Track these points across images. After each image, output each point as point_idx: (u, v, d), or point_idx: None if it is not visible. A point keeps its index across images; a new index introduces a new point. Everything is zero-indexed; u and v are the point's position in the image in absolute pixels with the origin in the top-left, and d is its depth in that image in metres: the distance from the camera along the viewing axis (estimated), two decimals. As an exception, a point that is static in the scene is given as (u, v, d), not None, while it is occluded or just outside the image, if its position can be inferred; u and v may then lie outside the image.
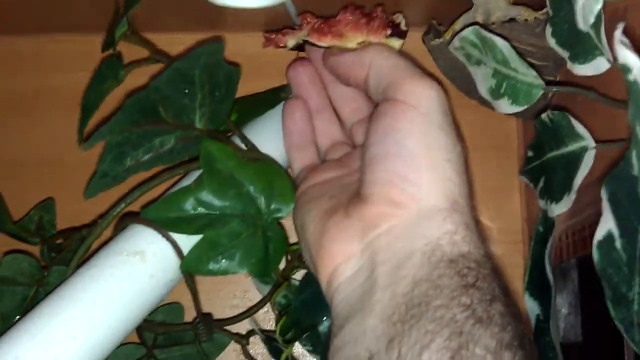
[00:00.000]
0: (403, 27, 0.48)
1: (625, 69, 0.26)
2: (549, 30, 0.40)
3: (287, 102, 0.52)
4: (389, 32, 0.46)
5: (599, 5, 0.26)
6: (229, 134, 0.52)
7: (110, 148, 0.47)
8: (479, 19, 0.48)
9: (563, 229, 0.46)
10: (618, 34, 0.26)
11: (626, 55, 0.25)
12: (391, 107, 0.41)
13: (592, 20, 0.26)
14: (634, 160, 0.28)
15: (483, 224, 0.56)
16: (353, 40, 0.47)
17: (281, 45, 0.50)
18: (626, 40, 0.27)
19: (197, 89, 0.47)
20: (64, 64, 0.60)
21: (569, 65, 0.39)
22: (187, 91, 0.47)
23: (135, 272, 0.45)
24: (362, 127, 0.49)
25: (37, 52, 0.60)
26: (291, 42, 0.50)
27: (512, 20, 0.48)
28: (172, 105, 0.47)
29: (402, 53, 0.45)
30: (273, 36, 0.50)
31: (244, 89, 0.53)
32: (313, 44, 0.49)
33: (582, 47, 0.37)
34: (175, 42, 0.58)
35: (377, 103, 0.43)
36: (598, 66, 0.37)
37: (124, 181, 0.48)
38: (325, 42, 0.48)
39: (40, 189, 0.57)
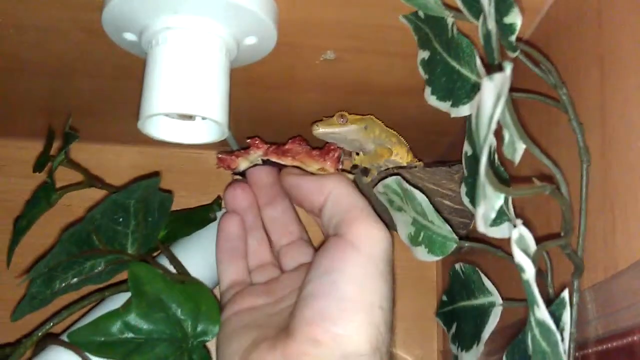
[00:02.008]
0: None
1: (520, 269, 0.28)
2: (463, 189, 0.43)
3: (223, 216, 0.52)
4: (340, 167, 0.49)
5: (501, 201, 0.29)
6: (157, 252, 0.53)
7: (40, 272, 0.47)
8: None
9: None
10: (515, 234, 0.29)
11: (521, 258, 0.28)
12: (336, 246, 0.42)
13: (490, 221, 0.29)
14: (529, 342, 0.31)
15: (400, 355, 0.58)
16: (311, 166, 0.49)
17: (233, 167, 0.51)
18: (525, 235, 0.30)
19: (131, 217, 0.49)
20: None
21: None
22: (121, 219, 0.49)
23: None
24: (290, 251, 0.51)
25: None
26: (243, 164, 0.51)
27: (434, 164, 0.51)
28: (105, 232, 0.49)
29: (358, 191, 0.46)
30: (226, 157, 0.51)
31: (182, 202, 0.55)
32: (273, 163, 0.50)
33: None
34: (113, 153, 0.60)
35: (326, 236, 0.45)
36: (505, 231, 0.39)
37: (50, 303, 0.48)
38: (287, 161, 0.50)
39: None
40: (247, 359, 0.42)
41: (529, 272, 0.28)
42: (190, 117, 0.46)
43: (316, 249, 0.47)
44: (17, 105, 0.55)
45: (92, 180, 0.54)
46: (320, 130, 0.50)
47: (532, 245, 0.30)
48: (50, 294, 0.47)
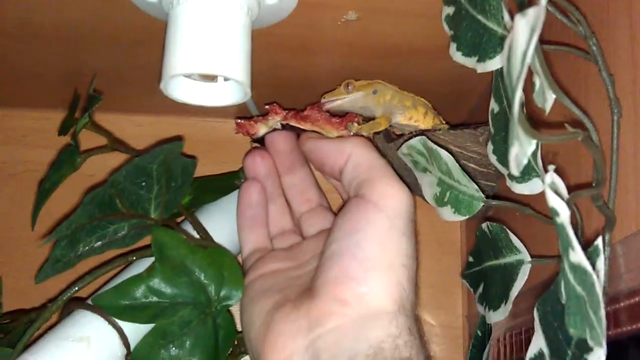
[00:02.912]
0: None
1: (554, 213, 0.28)
2: (490, 147, 0.43)
3: (244, 183, 0.52)
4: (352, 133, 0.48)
5: (533, 148, 0.28)
6: (182, 218, 0.53)
7: (62, 233, 0.48)
8: None
9: (501, 331, 0.48)
10: (548, 178, 0.28)
11: (555, 201, 0.27)
12: (359, 207, 0.42)
13: (523, 165, 0.28)
14: (562, 290, 0.30)
15: (424, 320, 0.58)
16: (330, 133, 0.49)
17: (252, 132, 0.51)
18: (557, 181, 0.29)
19: (154, 182, 0.49)
20: (16, 139, 0.62)
21: (508, 182, 0.41)
22: (144, 183, 0.49)
23: (80, 358, 0.45)
24: (310, 218, 0.51)
25: None
26: (263, 129, 0.51)
27: (459, 126, 0.51)
28: (129, 196, 0.49)
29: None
30: (245, 123, 0.51)
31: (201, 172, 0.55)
32: (293, 128, 0.50)
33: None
34: (133, 123, 0.60)
35: (347, 197, 0.45)
36: (534, 187, 0.39)
37: (74, 266, 0.48)
38: (306, 126, 0.49)
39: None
40: (271, 320, 0.42)
41: (563, 214, 0.27)
42: (212, 79, 0.45)
43: (336, 215, 0.47)
44: (35, 76, 0.55)
45: (115, 144, 0.54)
46: (325, 101, 0.50)
47: (565, 193, 0.30)
48: (74, 257, 0.48)
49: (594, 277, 0.26)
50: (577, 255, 0.27)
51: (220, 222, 0.54)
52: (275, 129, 0.51)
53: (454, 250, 0.60)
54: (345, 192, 0.46)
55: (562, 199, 0.28)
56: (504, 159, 0.42)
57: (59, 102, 0.59)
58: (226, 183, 0.57)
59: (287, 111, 0.50)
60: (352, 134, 0.49)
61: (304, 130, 0.50)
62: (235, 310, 0.49)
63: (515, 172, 0.27)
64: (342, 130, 0.49)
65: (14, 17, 0.46)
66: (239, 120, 0.51)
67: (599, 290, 0.26)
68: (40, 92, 0.58)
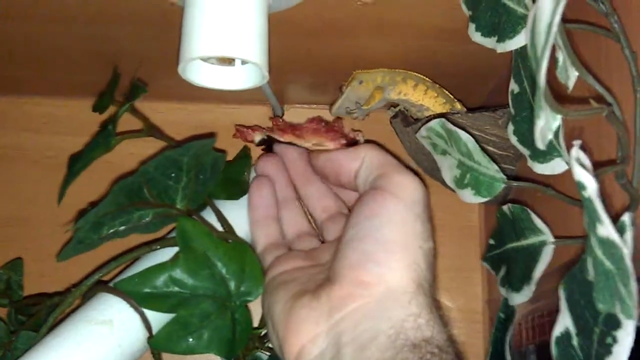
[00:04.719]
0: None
1: (581, 187, 0.27)
2: (510, 128, 0.42)
3: (254, 180, 0.54)
4: (343, 141, 0.51)
5: (558, 123, 0.28)
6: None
7: (89, 220, 0.48)
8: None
9: (523, 314, 0.48)
10: (574, 152, 0.28)
11: (582, 174, 0.27)
12: (375, 195, 0.43)
13: (548, 139, 0.28)
14: (589, 267, 0.30)
15: (444, 304, 0.58)
16: (309, 141, 0.52)
17: (249, 139, 0.55)
18: (583, 157, 0.29)
19: (183, 173, 0.50)
20: (37, 125, 0.62)
21: (529, 162, 0.41)
22: (173, 174, 0.49)
23: (103, 341, 0.46)
24: (333, 223, 0.51)
25: (10, 112, 0.62)
26: (257, 137, 0.54)
27: (477, 109, 0.50)
28: (157, 186, 0.49)
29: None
30: (243, 130, 0.55)
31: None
32: (274, 139, 0.53)
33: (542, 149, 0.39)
34: (156, 110, 0.60)
35: (362, 193, 0.45)
36: (556, 167, 0.39)
37: (96, 248, 0.49)
38: (285, 138, 0.53)
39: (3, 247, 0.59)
40: (291, 308, 0.42)
41: (591, 187, 0.27)
42: (229, 62, 0.45)
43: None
44: (56, 62, 0.55)
45: (151, 129, 0.54)
46: (333, 111, 0.54)
47: (590, 167, 0.29)
48: (97, 239, 0.48)
49: (624, 249, 0.26)
50: (606, 228, 0.27)
51: (240, 213, 0.54)
52: (272, 139, 0.54)
53: (473, 236, 0.60)
54: (360, 192, 0.47)
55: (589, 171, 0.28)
56: (524, 140, 0.41)
57: (80, 89, 0.59)
58: (238, 169, 0.57)
59: (287, 124, 0.53)
60: (358, 117, 0.54)
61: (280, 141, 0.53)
62: (252, 306, 0.50)
63: (541, 145, 0.27)
64: (323, 140, 0.52)
65: (26, 2, 0.46)
66: (239, 127, 0.55)
67: (628, 262, 0.26)
68: (61, 79, 0.59)
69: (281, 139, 0.53)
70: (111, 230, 0.48)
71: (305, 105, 0.62)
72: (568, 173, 0.38)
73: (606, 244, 0.27)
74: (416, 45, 0.52)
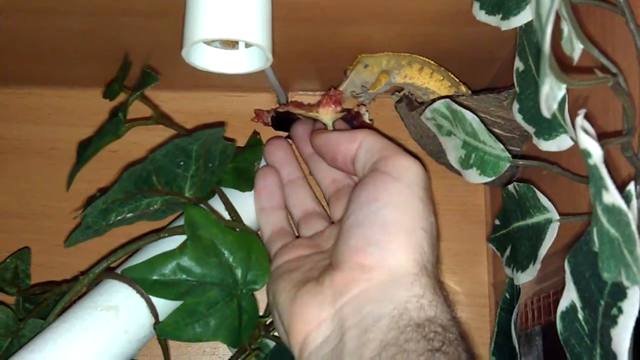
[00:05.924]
0: (367, 120, 0.54)
1: (586, 154, 0.27)
2: (515, 106, 0.42)
3: (260, 169, 0.54)
4: (338, 109, 0.52)
5: (562, 93, 0.28)
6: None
7: (97, 204, 0.48)
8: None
9: (529, 295, 0.47)
10: (579, 120, 0.28)
11: (587, 141, 0.27)
12: (375, 178, 0.43)
13: (554, 108, 0.28)
14: (595, 237, 0.30)
15: (450, 287, 0.57)
16: (325, 116, 0.53)
17: (266, 121, 0.56)
18: (588, 126, 0.29)
19: (192, 162, 0.50)
20: (41, 117, 0.62)
21: (535, 140, 0.40)
22: (182, 163, 0.50)
23: (109, 327, 0.46)
24: (339, 200, 0.51)
25: (13, 104, 0.62)
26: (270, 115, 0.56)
27: (482, 91, 0.50)
28: (165, 173, 0.49)
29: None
30: (262, 113, 0.56)
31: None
32: (287, 114, 0.55)
33: (547, 125, 0.39)
34: (158, 99, 0.60)
35: (362, 177, 0.45)
36: (562, 143, 0.39)
37: (104, 234, 0.49)
38: (302, 112, 0.54)
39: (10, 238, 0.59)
40: (295, 295, 0.42)
41: (596, 155, 0.27)
42: (233, 46, 0.45)
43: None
44: (58, 53, 0.55)
45: (160, 117, 0.54)
46: (345, 95, 0.54)
47: (595, 136, 0.29)
48: (105, 225, 0.48)
49: (629, 215, 0.26)
50: (612, 195, 0.26)
51: (247, 205, 0.55)
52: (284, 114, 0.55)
53: (478, 219, 0.59)
54: (360, 176, 0.47)
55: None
56: (530, 117, 0.41)
57: (84, 81, 0.60)
58: (249, 157, 0.57)
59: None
60: (364, 101, 0.54)
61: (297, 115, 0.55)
62: (258, 295, 0.50)
63: (546, 113, 0.26)
64: (331, 108, 0.53)
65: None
66: (258, 110, 0.56)
67: (634, 228, 0.26)
68: (66, 71, 0.59)
69: (294, 112, 0.54)
70: (119, 217, 0.48)
71: (309, 92, 0.62)
72: (573, 150, 0.38)
73: (612, 211, 0.27)
74: (420, 30, 0.51)
